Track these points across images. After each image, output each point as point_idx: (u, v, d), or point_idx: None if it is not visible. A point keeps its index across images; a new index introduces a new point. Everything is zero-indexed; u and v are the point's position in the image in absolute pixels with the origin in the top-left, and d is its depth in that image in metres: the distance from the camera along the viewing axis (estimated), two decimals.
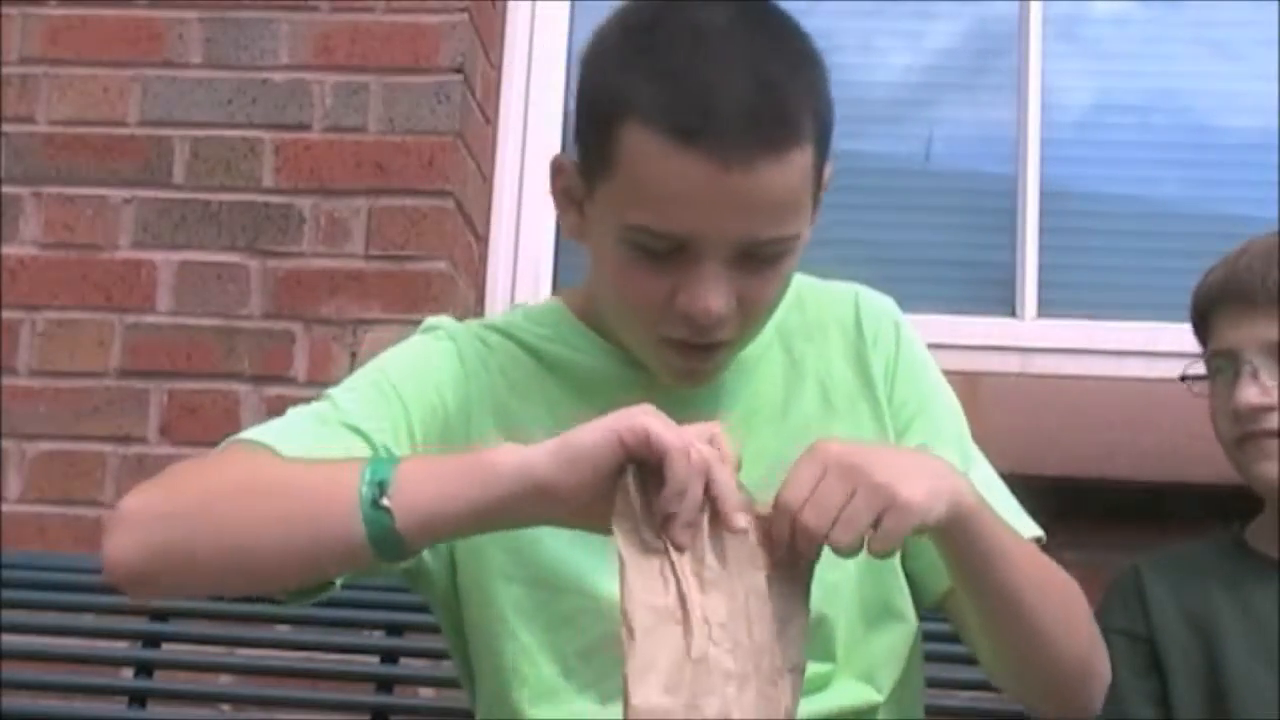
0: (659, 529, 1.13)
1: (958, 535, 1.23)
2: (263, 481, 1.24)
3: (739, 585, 1.15)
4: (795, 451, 1.23)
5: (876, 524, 1.15)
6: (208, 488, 1.25)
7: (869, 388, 1.44)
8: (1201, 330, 1.76)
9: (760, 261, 1.27)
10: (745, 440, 1.36)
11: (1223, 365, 1.71)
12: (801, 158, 1.25)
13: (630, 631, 1.09)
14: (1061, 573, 1.38)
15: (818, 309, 1.46)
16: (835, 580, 1.33)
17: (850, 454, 1.17)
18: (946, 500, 1.19)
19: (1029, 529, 1.42)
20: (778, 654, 1.14)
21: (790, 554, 1.17)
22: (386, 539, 1.16)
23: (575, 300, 1.46)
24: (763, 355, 1.42)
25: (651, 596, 1.11)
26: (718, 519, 1.14)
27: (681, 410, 1.29)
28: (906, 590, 1.43)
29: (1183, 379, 1.75)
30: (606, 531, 1.15)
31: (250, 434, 1.33)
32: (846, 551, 1.15)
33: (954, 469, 1.26)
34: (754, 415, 1.41)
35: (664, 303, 1.28)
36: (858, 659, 1.38)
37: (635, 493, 1.13)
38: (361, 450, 1.31)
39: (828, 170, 1.32)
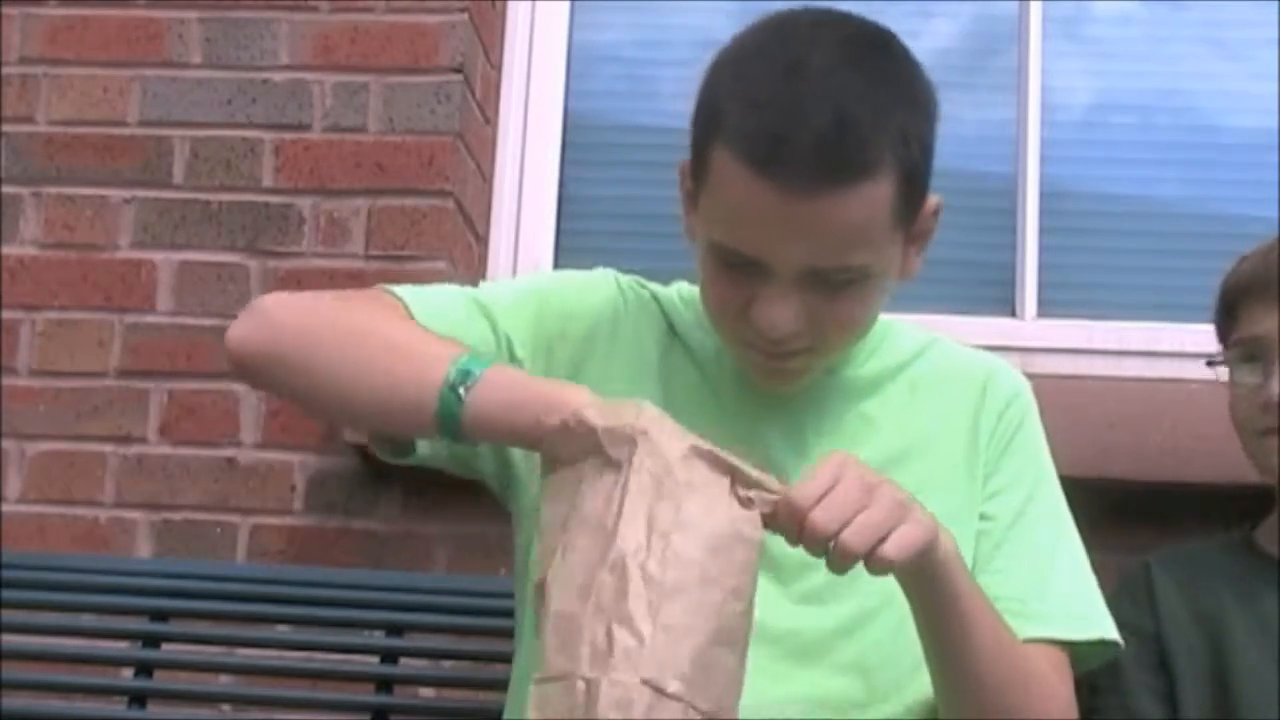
0: (631, 440, 1.14)
1: (926, 577, 1.26)
2: (382, 333, 1.34)
3: (702, 514, 1.12)
4: None
5: (884, 538, 1.16)
6: (337, 320, 1.36)
7: (972, 456, 1.48)
8: (1227, 321, 1.75)
9: (831, 286, 1.32)
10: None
11: (1247, 355, 1.70)
12: (873, 191, 1.28)
13: (564, 550, 1.12)
14: (1031, 662, 1.39)
15: (950, 366, 1.52)
16: (901, 616, 1.34)
17: (870, 471, 1.19)
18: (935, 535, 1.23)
19: (1102, 625, 1.45)
20: (728, 577, 1.11)
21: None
22: (451, 422, 1.26)
23: None
24: (882, 385, 1.48)
25: (596, 512, 1.12)
26: (703, 456, 1.14)
27: (784, 415, 1.41)
28: None
29: (1209, 363, 1.74)
30: None
31: (398, 288, 1.44)
32: (851, 558, 1.15)
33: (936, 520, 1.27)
34: (853, 438, 1.43)
35: (741, 311, 1.35)
36: (908, 692, 1.41)
37: (599, 416, 1.16)
38: (484, 331, 1.44)
39: (931, 202, 1.37)
